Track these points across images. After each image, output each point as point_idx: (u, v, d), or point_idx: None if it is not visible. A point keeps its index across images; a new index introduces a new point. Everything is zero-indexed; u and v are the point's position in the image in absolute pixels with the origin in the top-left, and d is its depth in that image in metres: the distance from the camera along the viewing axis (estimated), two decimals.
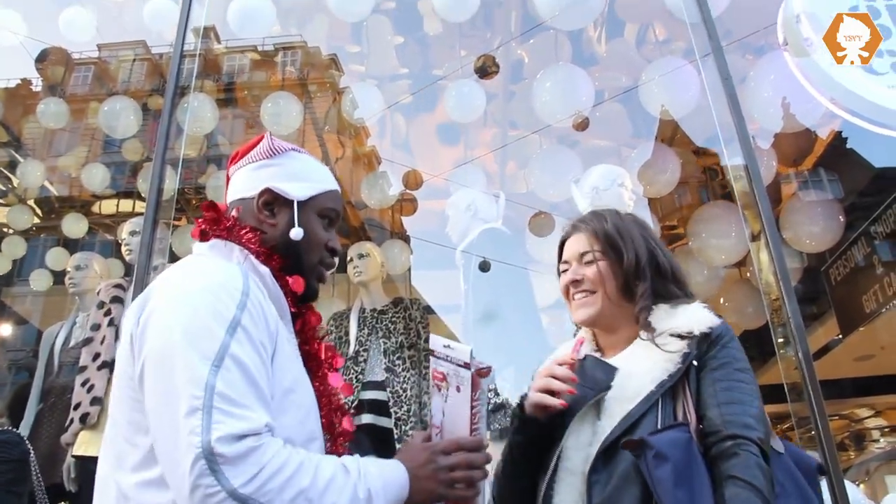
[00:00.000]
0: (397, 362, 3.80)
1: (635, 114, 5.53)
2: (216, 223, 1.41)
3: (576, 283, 1.66)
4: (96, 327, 3.49)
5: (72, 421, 3.26)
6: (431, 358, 1.41)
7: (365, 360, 3.83)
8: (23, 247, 6.76)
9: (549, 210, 5.10)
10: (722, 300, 5.21)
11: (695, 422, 1.42)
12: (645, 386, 1.46)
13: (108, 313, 3.51)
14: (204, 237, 1.40)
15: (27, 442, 2.73)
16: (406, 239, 6.28)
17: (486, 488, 1.44)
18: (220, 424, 1.07)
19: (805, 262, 5.84)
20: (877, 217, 5.61)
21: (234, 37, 6.88)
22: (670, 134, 5.58)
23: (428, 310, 4.48)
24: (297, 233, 1.40)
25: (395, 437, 3.59)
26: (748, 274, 5.25)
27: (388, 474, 1.24)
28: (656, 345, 1.51)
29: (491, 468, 1.47)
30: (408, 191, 6.36)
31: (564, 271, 1.72)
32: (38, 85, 8.15)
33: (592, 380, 1.53)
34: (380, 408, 3.71)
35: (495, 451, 1.52)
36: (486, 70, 5.85)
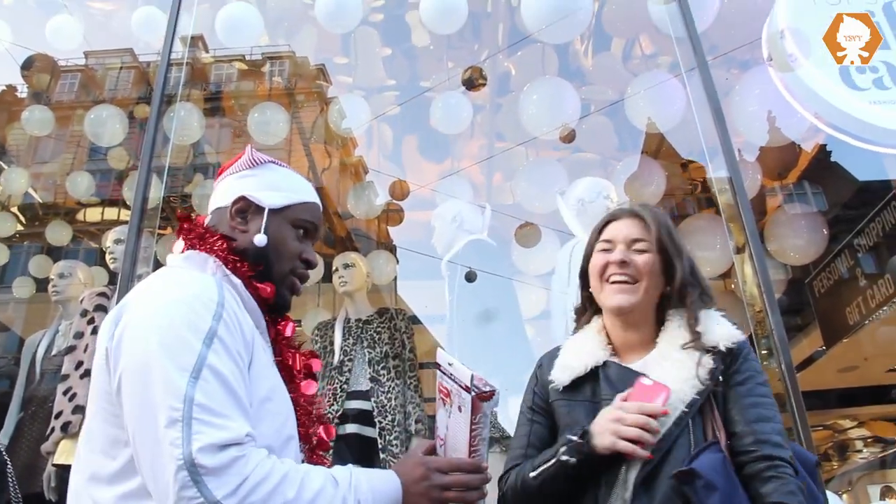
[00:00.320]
0: (382, 372, 3.79)
1: (621, 127, 5.55)
2: (190, 233, 1.40)
3: (623, 264, 1.62)
4: (79, 335, 3.47)
5: (53, 429, 3.24)
6: (437, 372, 1.39)
7: (350, 370, 3.82)
8: (6, 254, 6.67)
9: (535, 221, 5.11)
10: None
11: (724, 438, 1.44)
12: (674, 405, 1.46)
13: (91, 322, 3.50)
14: (181, 248, 1.40)
15: (3, 452, 2.69)
16: (392, 249, 6.25)
17: None
18: (201, 435, 1.06)
19: (789, 274, 5.89)
20: (860, 230, 5.65)
21: (221, 46, 6.86)
22: (656, 147, 5.61)
23: (413, 320, 4.48)
24: (260, 239, 1.38)
25: (380, 446, 3.58)
26: (732, 286, 5.26)
27: (380, 487, 1.23)
28: (694, 356, 1.52)
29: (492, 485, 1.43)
30: (394, 201, 6.36)
31: (604, 250, 1.67)
32: (23, 92, 8.07)
33: (616, 390, 1.52)
34: (364, 417, 3.70)
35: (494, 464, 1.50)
36: (473, 82, 5.87)
